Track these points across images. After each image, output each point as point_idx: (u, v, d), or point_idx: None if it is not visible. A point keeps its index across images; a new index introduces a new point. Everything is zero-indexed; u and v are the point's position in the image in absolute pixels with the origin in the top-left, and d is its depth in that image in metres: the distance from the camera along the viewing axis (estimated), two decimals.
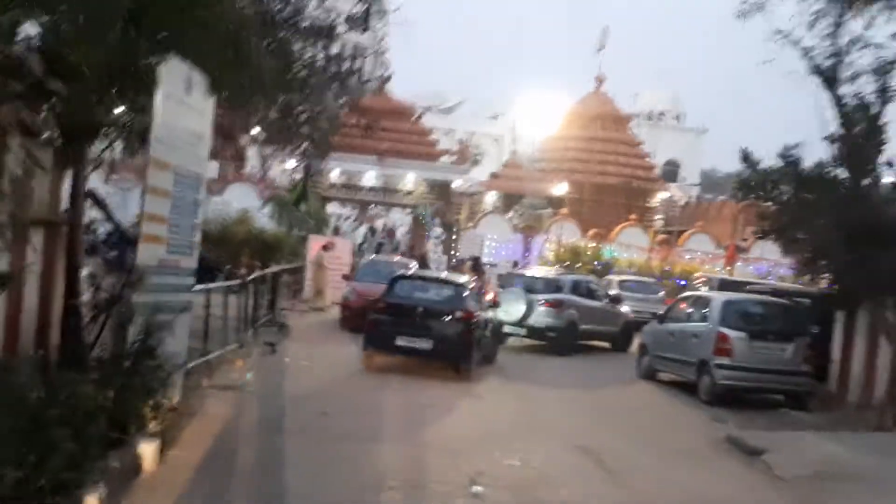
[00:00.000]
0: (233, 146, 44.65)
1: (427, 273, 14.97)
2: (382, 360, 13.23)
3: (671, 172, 63.73)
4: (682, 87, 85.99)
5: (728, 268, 34.08)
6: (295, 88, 11.43)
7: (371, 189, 36.30)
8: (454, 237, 35.51)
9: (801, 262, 14.15)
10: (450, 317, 12.79)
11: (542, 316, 17.05)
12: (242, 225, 27.07)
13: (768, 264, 36.73)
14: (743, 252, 36.38)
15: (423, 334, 12.61)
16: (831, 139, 13.64)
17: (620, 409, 12.26)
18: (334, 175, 35.94)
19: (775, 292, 15.90)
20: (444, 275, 14.63)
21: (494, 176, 42.06)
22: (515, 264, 29.69)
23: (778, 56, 13.30)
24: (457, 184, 37.33)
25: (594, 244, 33.79)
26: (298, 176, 34.35)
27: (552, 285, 17.69)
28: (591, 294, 18.44)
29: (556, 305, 17.12)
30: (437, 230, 35.46)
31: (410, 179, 35.37)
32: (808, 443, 9.70)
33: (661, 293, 25.50)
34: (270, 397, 10.07)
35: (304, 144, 19.62)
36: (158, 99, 7.38)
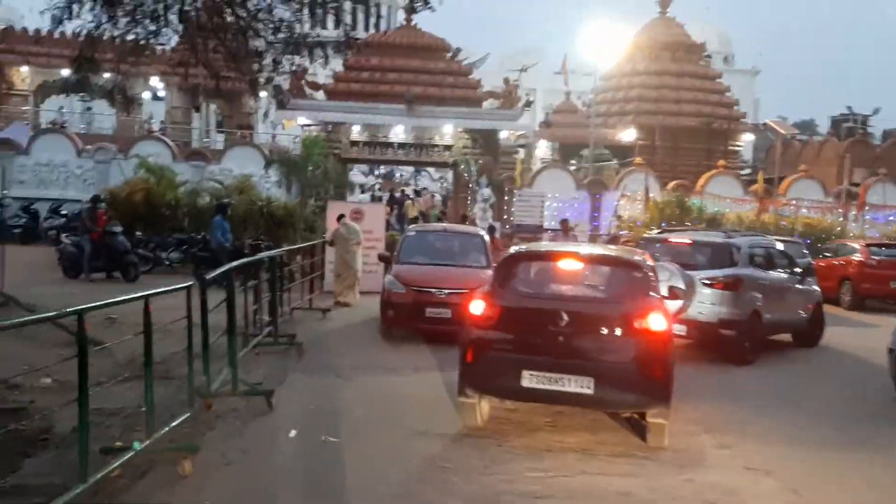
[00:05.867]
0: (239, 111, 38.65)
1: (572, 244, 8.58)
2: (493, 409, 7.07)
3: None
4: (729, 26, 77.37)
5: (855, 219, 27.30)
6: None
7: (401, 146, 29.66)
8: (506, 198, 28.93)
9: None
10: (624, 327, 6.38)
11: (710, 304, 10.57)
12: (242, 195, 20.88)
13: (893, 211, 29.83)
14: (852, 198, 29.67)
15: (576, 366, 6.29)
16: None
17: None
18: (355, 131, 29.40)
19: None
20: (600, 248, 8.25)
21: (545, 124, 35.34)
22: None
23: None
24: (504, 135, 30.69)
25: (676, 197, 27.04)
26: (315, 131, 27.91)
27: (722, 255, 11.09)
28: (771, 265, 11.86)
29: (732, 287, 10.62)
30: (486, 191, 28.87)
31: (448, 131, 28.77)
32: None
33: (808, 258, 18.79)
34: None
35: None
36: None
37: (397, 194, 34.77)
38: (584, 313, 6.50)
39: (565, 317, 6.35)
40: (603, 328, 6.44)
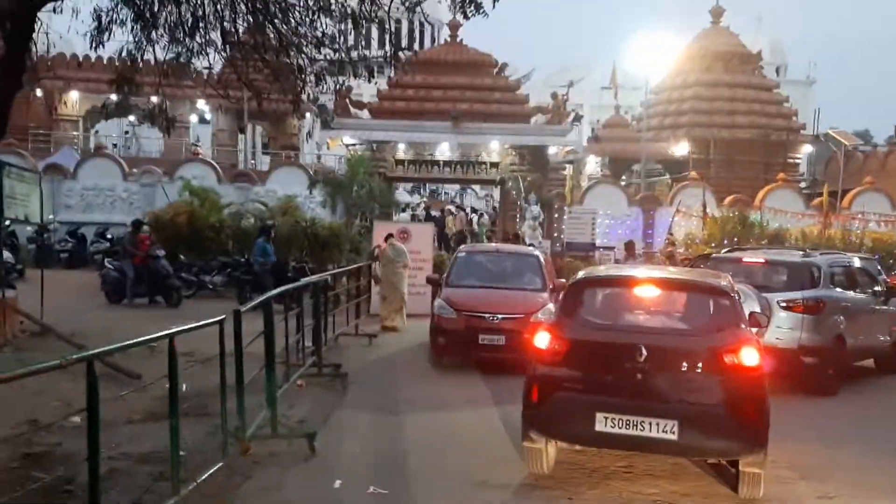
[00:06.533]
0: (284, 132, 38.63)
1: (646, 268, 7.81)
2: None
3: None
4: (782, 35, 75.22)
5: None
6: None
7: (447, 164, 29.06)
8: (555, 216, 28.08)
9: None
10: (712, 362, 5.61)
11: (788, 329, 9.68)
12: (286, 216, 20.53)
13: None
14: None
15: (657, 408, 5.56)
16: None
17: None
18: (400, 150, 28.97)
19: None
20: (680, 271, 7.47)
21: (594, 139, 34.51)
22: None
23: None
24: (552, 150, 29.90)
25: (738, 212, 25.87)
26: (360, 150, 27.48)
27: (801, 275, 10.21)
28: (853, 285, 10.92)
29: (814, 310, 9.73)
30: (535, 209, 28.07)
31: (495, 148, 28.14)
32: None
33: (882, 275, 17.62)
34: None
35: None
36: None
37: (436, 213, 34.15)
38: (665, 347, 5.72)
39: (644, 351, 5.58)
40: (687, 364, 5.66)
